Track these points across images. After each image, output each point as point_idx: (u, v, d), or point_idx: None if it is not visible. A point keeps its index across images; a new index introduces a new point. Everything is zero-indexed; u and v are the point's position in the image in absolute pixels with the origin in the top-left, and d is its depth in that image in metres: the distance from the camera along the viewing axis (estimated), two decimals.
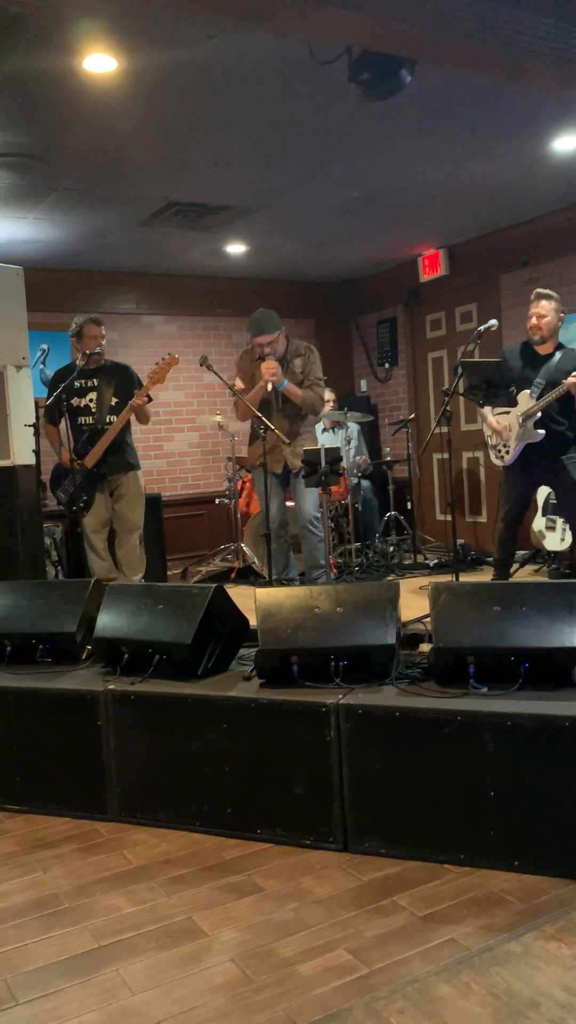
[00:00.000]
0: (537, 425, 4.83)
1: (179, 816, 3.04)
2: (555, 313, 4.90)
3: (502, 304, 7.14)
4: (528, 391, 4.85)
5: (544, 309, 4.90)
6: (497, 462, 5.08)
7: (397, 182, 5.52)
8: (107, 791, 3.15)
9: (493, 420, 5.01)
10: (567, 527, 5.78)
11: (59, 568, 6.48)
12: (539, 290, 5.01)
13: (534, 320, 4.91)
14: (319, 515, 5.19)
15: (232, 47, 3.58)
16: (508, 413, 4.98)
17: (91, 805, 3.17)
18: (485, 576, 6.27)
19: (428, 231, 7.03)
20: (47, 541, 6.32)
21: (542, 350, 4.96)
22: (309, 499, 5.25)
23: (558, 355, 4.91)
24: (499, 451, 5.03)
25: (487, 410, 5.07)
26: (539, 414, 4.81)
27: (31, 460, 5.34)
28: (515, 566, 6.00)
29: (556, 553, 6.05)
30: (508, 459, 4.99)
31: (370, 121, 4.44)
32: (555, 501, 5.63)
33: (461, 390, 4.99)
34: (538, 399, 4.81)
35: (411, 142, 4.82)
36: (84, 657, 3.59)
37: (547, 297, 4.93)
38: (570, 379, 4.62)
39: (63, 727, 3.22)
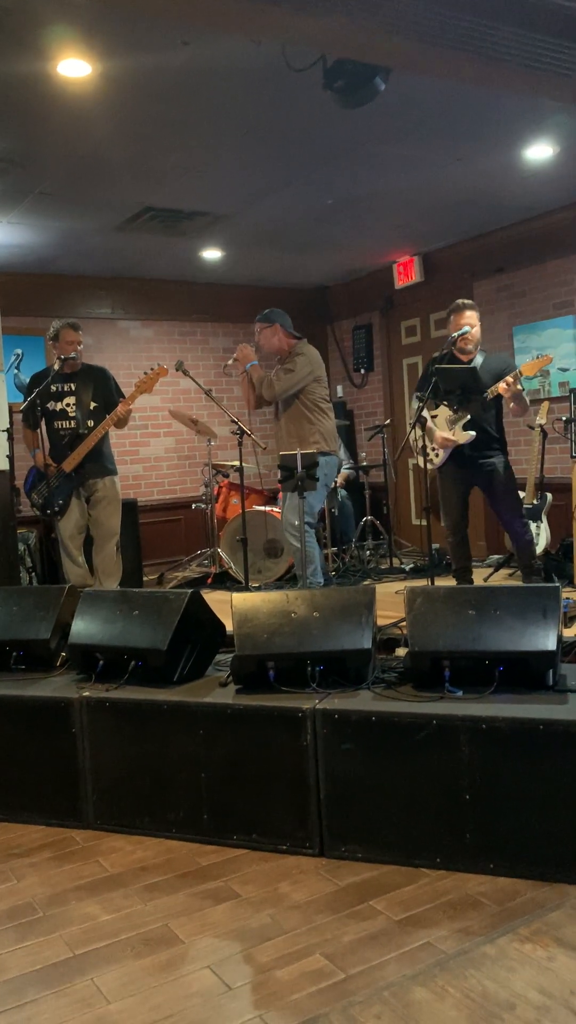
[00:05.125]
0: (466, 427, 4.88)
1: (155, 823, 3.02)
2: (478, 321, 4.96)
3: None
4: (447, 400, 4.93)
5: (475, 319, 4.93)
6: (430, 465, 5.06)
7: (372, 189, 5.55)
8: (82, 799, 3.13)
9: (439, 434, 4.99)
10: (538, 530, 5.81)
11: (33, 574, 6.44)
12: (464, 301, 4.99)
13: (467, 334, 4.89)
14: (296, 523, 5.12)
15: (207, 53, 3.58)
16: (436, 420, 5.03)
17: (66, 813, 3.15)
18: None
19: (403, 238, 7.07)
20: (21, 547, 6.28)
21: (465, 358, 4.98)
22: (288, 505, 5.21)
23: (479, 360, 4.96)
24: (429, 455, 5.03)
25: (431, 422, 5.06)
26: (468, 417, 4.87)
27: (5, 466, 5.32)
28: (490, 570, 6.04)
29: None
30: (438, 460, 5.03)
31: (345, 128, 4.46)
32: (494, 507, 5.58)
33: (435, 396, 5.01)
34: (459, 405, 4.87)
35: (386, 149, 4.84)
36: (58, 664, 3.56)
37: (473, 307, 4.95)
38: (500, 385, 4.69)
39: (37, 735, 3.19)
